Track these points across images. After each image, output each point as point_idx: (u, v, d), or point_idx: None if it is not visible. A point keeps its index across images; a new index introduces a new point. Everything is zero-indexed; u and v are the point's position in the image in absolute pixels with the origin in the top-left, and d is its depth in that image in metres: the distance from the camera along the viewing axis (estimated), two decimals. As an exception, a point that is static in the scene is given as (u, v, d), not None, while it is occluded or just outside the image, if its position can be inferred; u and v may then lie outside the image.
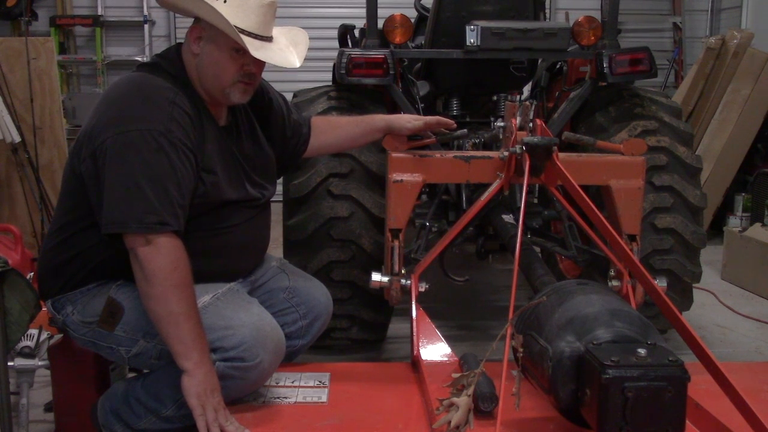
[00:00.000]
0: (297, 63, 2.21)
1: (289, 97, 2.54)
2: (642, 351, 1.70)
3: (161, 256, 1.92)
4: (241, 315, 2.07)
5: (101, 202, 1.96)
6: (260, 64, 2.16)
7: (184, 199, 2.00)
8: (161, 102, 2.01)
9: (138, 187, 1.92)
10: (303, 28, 2.34)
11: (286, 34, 2.27)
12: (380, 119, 2.60)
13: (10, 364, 2.34)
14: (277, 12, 2.20)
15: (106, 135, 1.96)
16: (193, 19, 2.16)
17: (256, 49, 2.07)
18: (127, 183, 1.93)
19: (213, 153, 2.12)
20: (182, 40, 2.21)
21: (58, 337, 2.48)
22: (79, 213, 2.11)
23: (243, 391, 2.09)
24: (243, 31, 2.05)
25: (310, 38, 2.32)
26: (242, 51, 2.08)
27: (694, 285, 3.34)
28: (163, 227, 1.93)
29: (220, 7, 2.02)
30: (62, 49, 7.43)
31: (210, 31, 2.07)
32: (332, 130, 2.60)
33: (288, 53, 2.21)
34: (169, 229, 1.94)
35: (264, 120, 2.39)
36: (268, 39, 2.15)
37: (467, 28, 3.21)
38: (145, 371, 2.22)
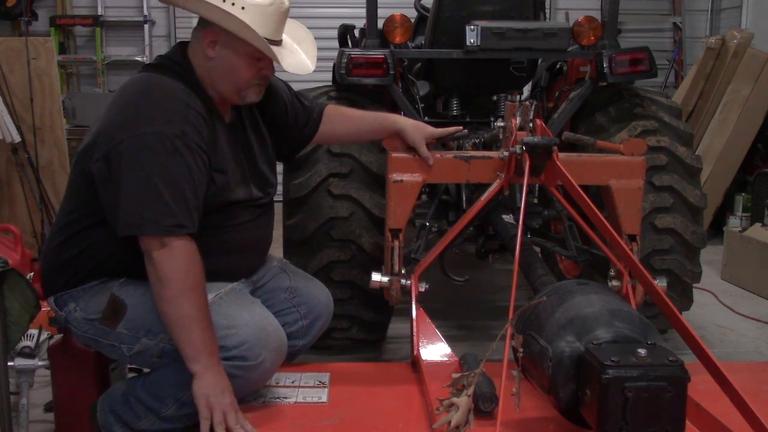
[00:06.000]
0: (311, 67, 2.24)
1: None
2: (642, 351, 1.70)
3: (175, 259, 1.93)
4: (244, 314, 2.08)
5: (116, 204, 1.96)
6: (273, 66, 2.17)
7: (198, 201, 2.00)
8: (175, 104, 2.01)
9: (155, 189, 1.92)
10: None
11: (286, 30, 2.26)
12: (394, 122, 2.56)
13: (10, 364, 2.34)
14: (278, 12, 2.19)
15: (120, 137, 1.96)
16: (196, 20, 2.15)
17: (283, 58, 2.09)
18: (144, 186, 1.93)
19: (223, 152, 2.13)
20: (182, 39, 2.20)
21: (58, 337, 2.48)
22: (84, 211, 2.11)
23: (245, 391, 2.09)
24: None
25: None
26: (259, 56, 2.09)
27: (694, 285, 3.34)
28: (179, 230, 1.93)
29: (241, 16, 2.00)
30: (62, 49, 7.42)
31: (226, 36, 2.06)
32: (345, 122, 2.58)
33: (300, 56, 2.22)
34: (185, 231, 1.95)
35: (265, 109, 2.38)
36: (280, 42, 2.15)
37: (467, 28, 3.21)
38: (146, 371, 2.23)
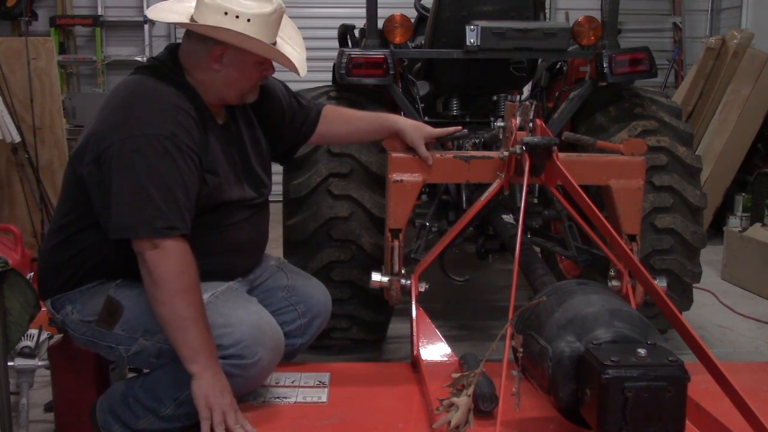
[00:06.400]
0: (304, 56, 2.26)
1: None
2: (642, 351, 1.70)
3: (169, 261, 1.93)
4: (240, 313, 2.08)
5: (108, 206, 1.96)
6: (273, 64, 2.19)
7: (190, 202, 2.00)
8: (165, 106, 2.01)
9: (146, 192, 1.93)
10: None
11: None
12: (393, 122, 2.56)
13: (10, 364, 2.34)
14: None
15: (111, 140, 1.96)
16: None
17: (292, 58, 2.11)
18: (135, 188, 1.93)
19: (215, 154, 2.13)
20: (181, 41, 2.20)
21: (58, 337, 2.48)
22: (79, 213, 2.11)
23: (243, 389, 2.09)
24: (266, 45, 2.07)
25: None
26: (263, 60, 2.11)
27: (694, 285, 3.34)
28: (171, 231, 1.94)
29: (248, 29, 2.01)
30: (62, 49, 7.43)
31: (234, 50, 2.07)
32: (343, 122, 2.59)
33: (295, 51, 2.23)
34: (177, 233, 1.95)
35: (261, 109, 2.38)
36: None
37: (467, 28, 3.21)
38: (145, 371, 2.23)
